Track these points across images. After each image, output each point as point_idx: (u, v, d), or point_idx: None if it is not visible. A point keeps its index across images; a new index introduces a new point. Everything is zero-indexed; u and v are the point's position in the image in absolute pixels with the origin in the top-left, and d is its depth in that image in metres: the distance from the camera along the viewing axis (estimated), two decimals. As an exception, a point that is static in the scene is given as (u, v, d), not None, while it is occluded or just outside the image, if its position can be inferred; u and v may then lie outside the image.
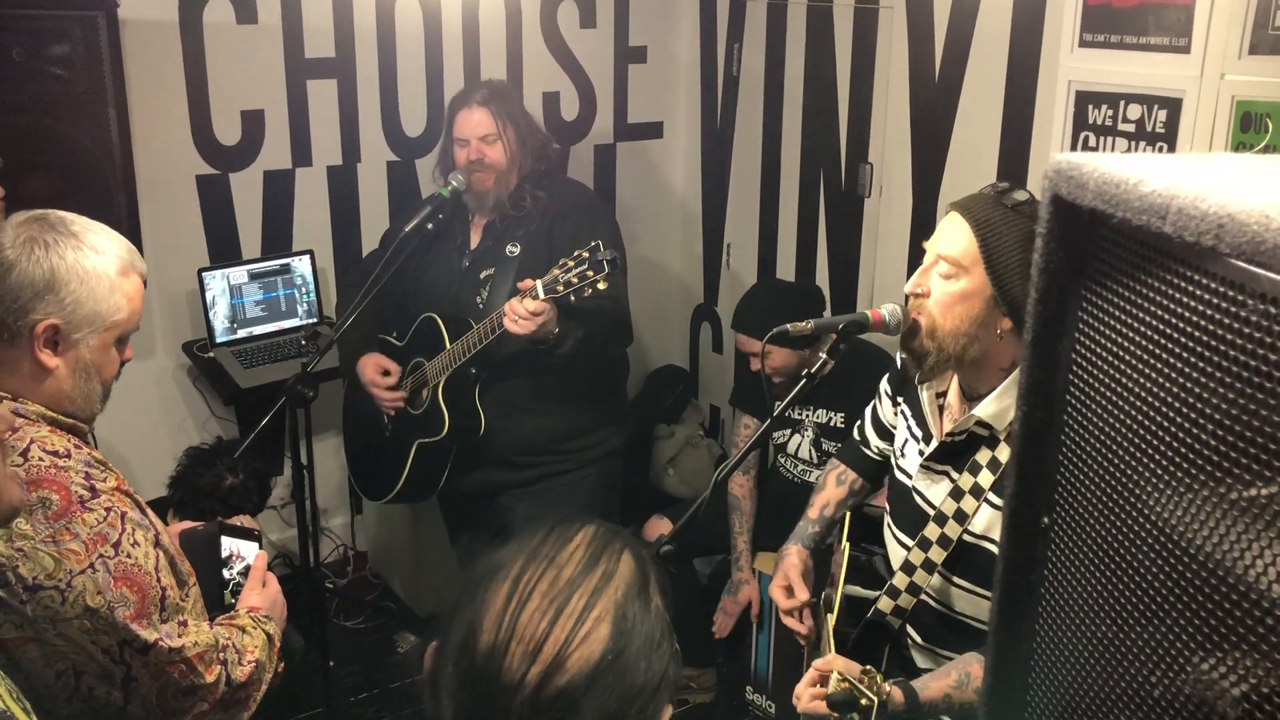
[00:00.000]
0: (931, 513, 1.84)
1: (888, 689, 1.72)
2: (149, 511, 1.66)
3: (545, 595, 0.98)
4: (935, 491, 1.85)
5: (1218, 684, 0.68)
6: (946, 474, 1.84)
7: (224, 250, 3.58)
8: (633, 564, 1.05)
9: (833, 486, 2.23)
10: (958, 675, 1.78)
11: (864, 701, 1.71)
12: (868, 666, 1.76)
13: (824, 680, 1.77)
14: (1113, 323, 0.78)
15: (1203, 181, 0.68)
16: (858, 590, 2.08)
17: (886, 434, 2.13)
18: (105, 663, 1.51)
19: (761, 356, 2.32)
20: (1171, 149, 2.45)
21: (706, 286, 4.46)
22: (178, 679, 1.58)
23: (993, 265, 1.68)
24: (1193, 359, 0.69)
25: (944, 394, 1.90)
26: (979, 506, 1.78)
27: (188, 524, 2.07)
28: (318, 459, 2.82)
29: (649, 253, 4.38)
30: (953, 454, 1.83)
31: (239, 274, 3.51)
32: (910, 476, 1.92)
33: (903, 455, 1.98)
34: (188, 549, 1.94)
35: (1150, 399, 0.74)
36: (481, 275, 2.86)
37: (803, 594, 2.05)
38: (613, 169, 4.31)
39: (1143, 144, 2.52)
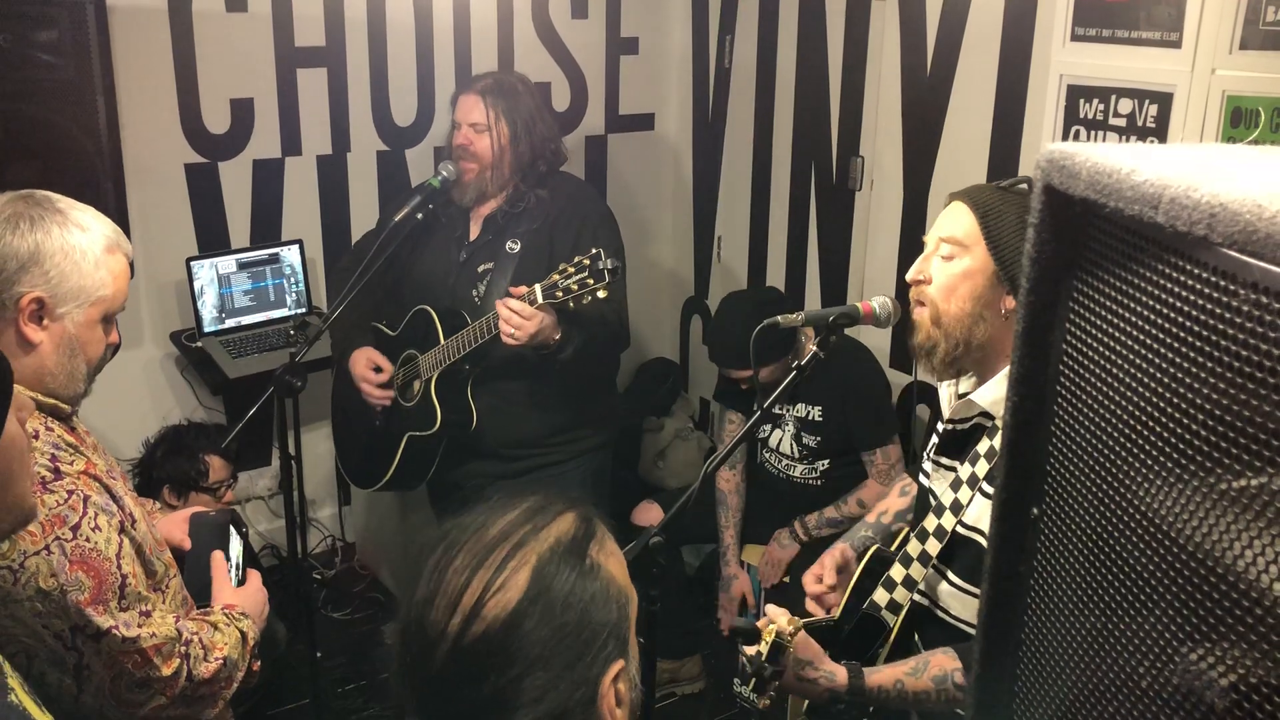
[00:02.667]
0: (933, 504, 1.84)
1: (791, 630, 1.70)
2: (124, 498, 1.65)
3: (470, 550, 1.02)
4: (940, 484, 1.85)
5: (1206, 674, 0.68)
6: (953, 468, 1.84)
7: (212, 239, 3.56)
8: (572, 522, 1.06)
9: (895, 496, 2.23)
10: (915, 663, 1.77)
11: (766, 636, 1.69)
12: (795, 618, 1.74)
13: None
14: (1104, 313, 0.78)
15: (1195, 171, 0.68)
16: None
17: None
18: (56, 648, 1.50)
19: (755, 379, 2.29)
20: (1162, 143, 2.45)
21: (697, 279, 4.46)
22: (132, 669, 1.56)
23: (993, 240, 1.70)
24: (1184, 349, 0.69)
25: (966, 393, 1.90)
26: (973, 496, 1.77)
27: (199, 508, 2.06)
28: (306, 450, 2.80)
29: (640, 245, 4.37)
30: (958, 445, 1.83)
31: (227, 263, 3.49)
32: (929, 476, 1.92)
33: (926, 459, 1.98)
34: (197, 534, 1.94)
35: (1141, 389, 0.74)
36: (479, 269, 2.84)
37: (830, 578, 2.03)
38: (604, 160, 4.30)
39: (1133, 138, 2.53)
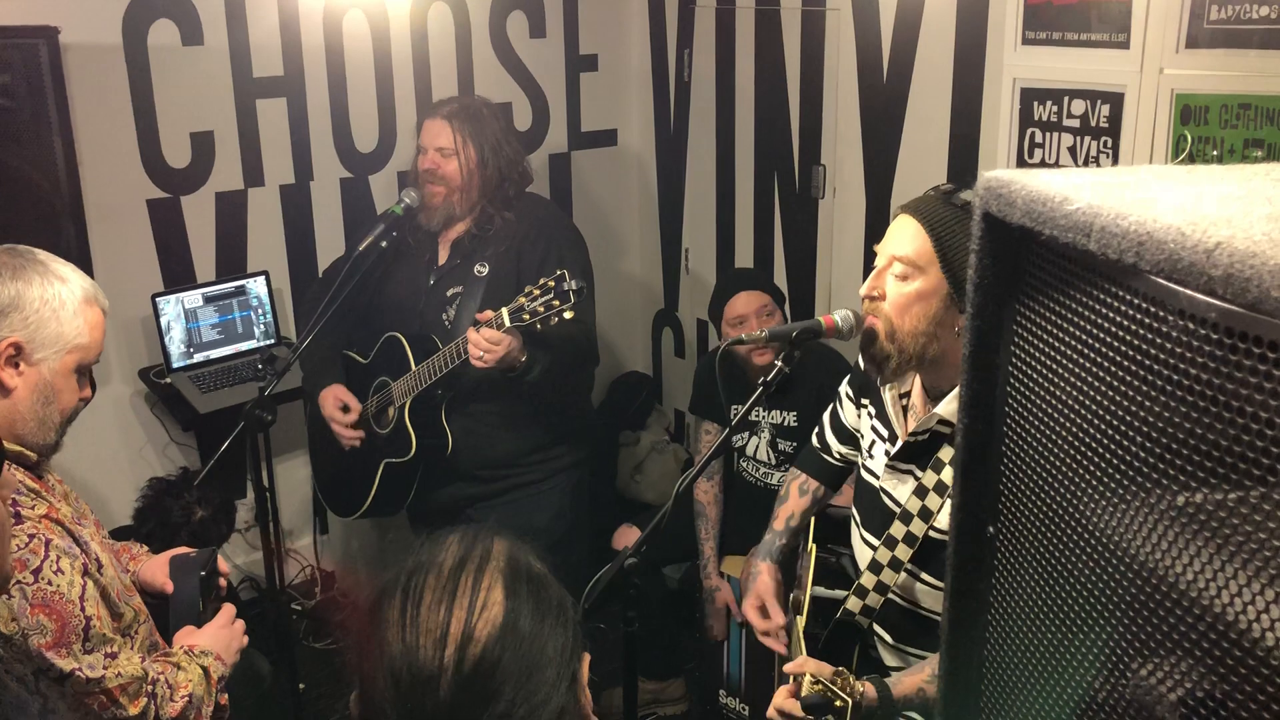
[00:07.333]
0: (897, 511, 1.86)
1: (861, 688, 1.74)
2: (90, 543, 1.65)
3: (434, 589, 1.04)
4: (901, 490, 1.87)
5: (1155, 689, 0.69)
6: (911, 472, 1.86)
7: (177, 274, 3.54)
8: (505, 544, 1.11)
9: (796, 497, 2.25)
10: (931, 670, 1.80)
11: (838, 703, 1.72)
12: (839, 668, 1.78)
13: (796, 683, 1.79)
14: (1045, 336, 0.80)
15: (1124, 199, 0.70)
16: (824, 591, 2.10)
17: (849, 438, 2.15)
18: (20, 692, 1.51)
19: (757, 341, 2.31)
20: (1115, 143, 2.49)
21: (667, 291, 4.47)
22: (98, 710, 1.58)
23: (948, 263, 1.71)
24: (1120, 372, 0.71)
25: (907, 394, 1.92)
26: (943, 503, 1.79)
27: (182, 550, 2.07)
28: (280, 480, 2.80)
29: (608, 260, 4.38)
30: (917, 453, 1.85)
31: (194, 298, 3.48)
32: (878, 477, 1.94)
33: (870, 456, 1.99)
34: (178, 576, 1.95)
35: (1082, 410, 0.76)
36: (448, 293, 2.85)
37: (779, 617, 2.06)
38: (568, 178, 4.31)
39: (1088, 138, 2.56)
